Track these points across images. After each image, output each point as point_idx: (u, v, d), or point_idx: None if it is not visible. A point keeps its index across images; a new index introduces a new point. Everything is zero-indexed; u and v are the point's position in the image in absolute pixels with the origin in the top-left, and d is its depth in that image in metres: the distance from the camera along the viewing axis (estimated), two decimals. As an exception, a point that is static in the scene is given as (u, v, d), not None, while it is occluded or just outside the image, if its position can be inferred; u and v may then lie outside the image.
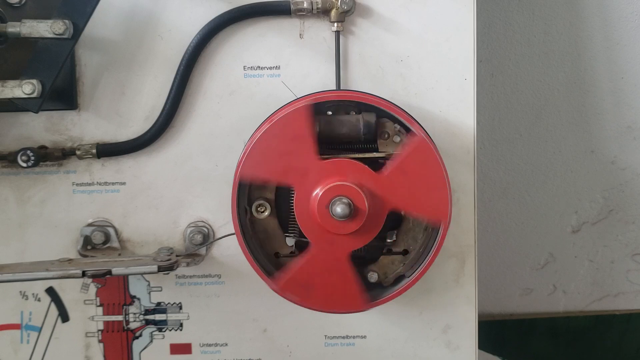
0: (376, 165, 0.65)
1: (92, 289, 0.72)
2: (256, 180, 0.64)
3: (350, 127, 0.65)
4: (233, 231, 0.64)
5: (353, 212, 0.61)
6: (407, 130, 0.65)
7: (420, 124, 0.66)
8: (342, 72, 0.68)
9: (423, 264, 0.66)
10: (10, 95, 0.61)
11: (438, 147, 0.65)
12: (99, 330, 0.73)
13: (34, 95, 0.61)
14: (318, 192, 0.62)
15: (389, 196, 0.62)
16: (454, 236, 0.70)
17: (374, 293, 0.67)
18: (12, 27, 0.61)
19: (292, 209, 0.64)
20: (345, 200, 0.61)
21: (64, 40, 0.61)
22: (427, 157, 0.62)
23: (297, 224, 0.64)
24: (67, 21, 0.61)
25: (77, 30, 0.62)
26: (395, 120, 0.66)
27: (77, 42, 0.63)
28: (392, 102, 0.67)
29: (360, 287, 0.64)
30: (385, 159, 0.65)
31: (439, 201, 0.63)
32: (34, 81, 0.61)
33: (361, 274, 0.67)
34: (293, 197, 0.63)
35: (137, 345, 0.73)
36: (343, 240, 0.63)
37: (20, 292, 0.72)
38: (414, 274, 0.66)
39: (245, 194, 0.66)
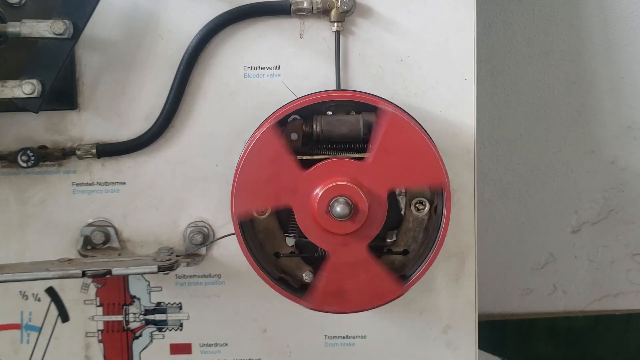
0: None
1: (92, 289, 0.72)
2: (253, 213, 0.65)
3: (350, 127, 0.65)
4: (233, 231, 0.64)
5: (353, 208, 0.61)
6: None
7: (420, 124, 0.66)
8: (342, 72, 0.68)
9: (423, 264, 0.66)
10: (10, 95, 0.61)
11: (438, 147, 0.65)
12: (99, 330, 0.73)
13: (34, 95, 0.61)
14: (312, 203, 0.62)
15: (382, 178, 0.62)
16: (454, 236, 0.70)
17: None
18: (12, 27, 0.61)
19: (292, 209, 0.64)
20: (341, 199, 0.61)
21: (64, 40, 0.61)
22: (403, 129, 0.62)
23: (297, 224, 0.64)
24: (67, 21, 0.61)
25: (77, 30, 0.62)
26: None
27: (77, 42, 0.63)
28: (392, 102, 0.67)
29: (389, 273, 0.64)
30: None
31: (431, 165, 0.62)
32: (34, 81, 0.61)
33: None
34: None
35: (137, 345, 0.73)
36: (356, 237, 0.63)
37: (20, 292, 0.72)
38: (414, 274, 0.66)
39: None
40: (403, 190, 0.66)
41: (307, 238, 0.64)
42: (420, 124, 0.66)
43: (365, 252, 0.63)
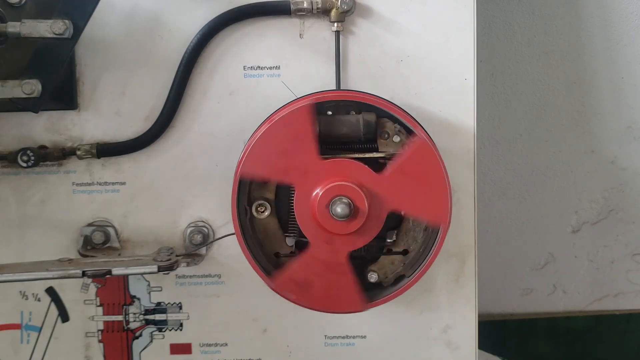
0: (376, 165, 0.65)
1: (92, 289, 0.72)
2: (257, 178, 0.64)
3: (350, 127, 0.65)
4: (233, 231, 0.64)
5: (353, 212, 0.61)
6: (407, 130, 0.65)
7: (420, 124, 0.66)
8: (342, 72, 0.68)
9: (423, 264, 0.66)
10: (10, 95, 0.61)
11: (438, 147, 0.65)
12: (99, 330, 0.73)
13: (34, 95, 0.61)
14: (318, 191, 0.62)
15: (389, 197, 0.62)
16: (454, 236, 0.70)
17: (373, 293, 0.67)
18: (12, 27, 0.61)
19: (292, 208, 0.64)
20: (345, 200, 0.61)
21: (64, 40, 0.61)
22: (428, 159, 0.62)
23: (297, 224, 0.64)
24: (67, 21, 0.61)
25: (77, 30, 0.62)
26: (395, 120, 0.66)
27: (77, 42, 0.63)
28: (392, 102, 0.67)
29: (358, 287, 0.64)
30: (385, 158, 0.65)
31: (439, 203, 0.63)
32: (34, 81, 0.61)
33: (361, 274, 0.68)
34: (293, 196, 0.63)
35: (137, 345, 0.73)
36: (342, 240, 0.63)
37: (20, 292, 0.72)
38: (414, 274, 0.66)
39: (246, 193, 0.66)
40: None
41: (306, 238, 0.64)
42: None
43: (344, 258, 0.64)
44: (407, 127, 0.65)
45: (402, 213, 0.66)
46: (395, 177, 0.62)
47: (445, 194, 0.63)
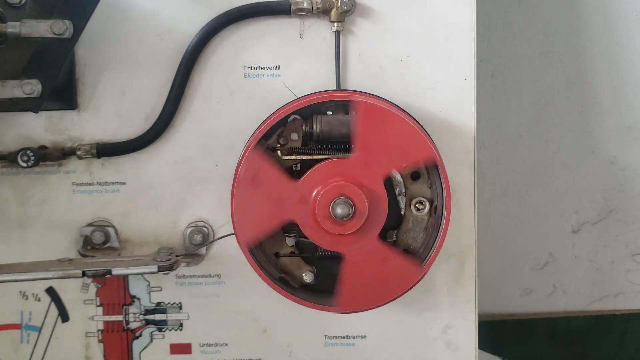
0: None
1: (92, 289, 0.72)
2: (260, 238, 0.65)
3: (350, 127, 0.65)
4: (233, 231, 0.64)
5: (353, 205, 0.61)
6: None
7: (420, 124, 0.66)
8: (342, 72, 0.68)
9: (423, 263, 0.66)
10: (10, 95, 0.61)
11: (438, 147, 0.65)
12: (99, 330, 0.73)
13: (34, 95, 0.61)
14: (314, 209, 0.62)
15: (373, 169, 0.62)
16: (454, 236, 0.70)
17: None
18: (12, 27, 0.61)
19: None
20: (339, 200, 0.61)
21: (64, 40, 0.61)
22: (379, 115, 0.62)
23: (297, 224, 0.64)
24: (67, 21, 0.61)
25: (77, 30, 0.62)
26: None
27: (77, 42, 0.63)
28: (392, 102, 0.67)
29: (405, 256, 0.65)
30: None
31: (416, 141, 0.63)
32: (34, 81, 0.61)
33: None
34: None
35: (137, 345, 0.73)
36: (364, 231, 0.63)
37: (20, 292, 0.72)
38: (414, 274, 0.66)
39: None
40: (403, 191, 0.66)
41: (307, 238, 0.64)
42: (398, 106, 0.66)
43: (378, 243, 0.64)
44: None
45: (396, 171, 0.65)
46: (364, 150, 0.62)
47: (416, 131, 0.62)
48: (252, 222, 0.63)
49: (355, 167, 0.62)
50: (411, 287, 0.65)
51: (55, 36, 0.61)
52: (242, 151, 0.65)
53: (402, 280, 0.65)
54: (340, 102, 0.66)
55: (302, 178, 0.63)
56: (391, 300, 0.65)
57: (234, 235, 0.64)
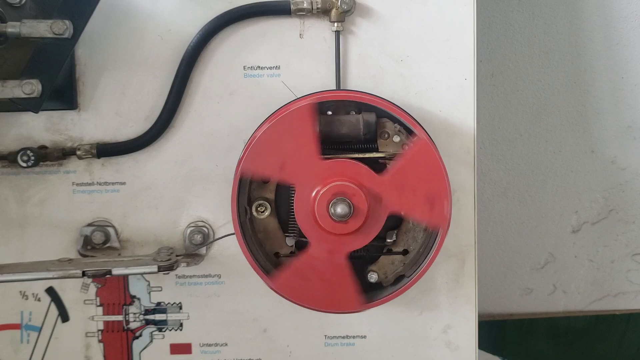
0: (376, 165, 0.65)
1: (92, 288, 0.72)
2: (257, 176, 0.64)
3: (350, 127, 0.65)
4: (233, 231, 0.64)
5: (353, 211, 0.61)
6: (407, 130, 0.65)
7: (420, 124, 0.66)
8: (342, 72, 0.68)
9: (423, 264, 0.66)
10: (10, 95, 0.61)
11: (438, 147, 0.65)
12: (99, 330, 0.73)
13: (34, 95, 0.61)
14: (318, 191, 0.62)
15: (390, 198, 0.62)
16: (454, 236, 0.70)
17: (373, 293, 0.67)
18: (12, 27, 0.61)
19: (292, 208, 0.64)
20: (345, 200, 0.61)
21: (63, 40, 0.61)
22: (429, 160, 0.62)
23: (297, 224, 0.64)
24: (67, 21, 0.61)
25: (77, 31, 0.62)
26: (395, 120, 0.66)
27: (77, 42, 0.63)
28: (392, 102, 0.67)
29: (357, 288, 0.64)
30: (385, 158, 0.65)
31: (439, 206, 0.63)
32: (34, 81, 0.61)
33: (361, 273, 0.68)
34: (293, 196, 0.63)
35: (137, 345, 0.73)
36: (342, 240, 0.63)
37: (20, 292, 0.72)
38: (414, 274, 0.66)
39: (246, 194, 0.66)
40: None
41: (306, 238, 0.64)
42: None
43: (344, 258, 0.64)
44: (407, 127, 0.65)
45: (402, 214, 0.66)
46: (395, 179, 0.62)
47: (446, 197, 0.62)
48: (261, 158, 0.62)
49: (375, 185, 0.62)
50: (340, 313, 0.66)
51: (55, 36, 0.61)
52: (242, 151, 0.65)
53: (338, 302, 0.65)
54: (340, 102, 0.66)
55: (329, 161, 0.62)
56: (315, 310, 0.65)
57: (234, 235, 0.65)
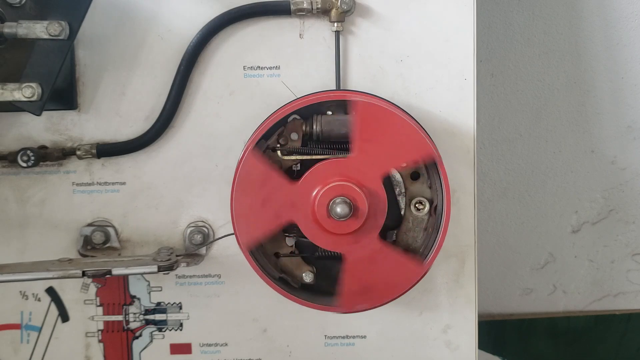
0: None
1: (92, 288, 0.72)
2: (261, 239, 0.65)
3: (350, 127, 0.65)
4: (233, 231, 0.64)
5: (352, 205, 0.61)
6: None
7: (420, 124, 0.66)
8: (342, 72, 0.68)
9: (424, 262, 0.66)
10: (10, 98, 0.61)
11: (438, 147, 0.65)
12: (99, 330, 0.73)
13: (34, 98, 0.61)
14: (313, 210, 0.62)
15: (372, 169, 0.62)
16: (454, 236, 0.70)
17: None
18: (9, 28, 0.60)
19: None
20: (338, 199, 0.61)
21: (60, 41, 0.61)
22: (377, 114, 0.62)
23: (297, 224, 0.64)
24: (63, 22, 0.60)
25: (73, 32, 0.61)
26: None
27: (78, 42, 0.63)
28: (392, 102, 0.67)
29: (406, 255, 0.65)
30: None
31: (414, 140, 0.63)
32: (34, 84, 0.61)
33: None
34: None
35: (137, 345, 0.73)
36: (364, 230, 0.63)
37: (20, 292, 0.72)
38: (414, 274, 0.66)
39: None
40: (403, 191, 0.66)
41: (306, 238, 0.64)
42: (398, 106, 0.66)
43: (378, 242, 0.64)
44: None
45: (395, 169, 0.65)
46: (362, 149, 0.62)
47: (414, 130, 0.62)
48: (252, 224, 0.63)
49: (354, 166, 0.62)
50: (412, 286, 0.65)
51: (51, 37, 0.60)
52: (242, 151, 0.65)
53: (403, 279, 0.65)
54: (340, 102, 0.66)
55: (301, 179, 0.63)
56: (393, 300, 0.65)
57: (234, 235, 0.64)
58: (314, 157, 0.64)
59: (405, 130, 0.63)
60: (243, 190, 0.63)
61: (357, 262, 0.64)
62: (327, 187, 0.62)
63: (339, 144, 0.66)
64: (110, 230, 0.70)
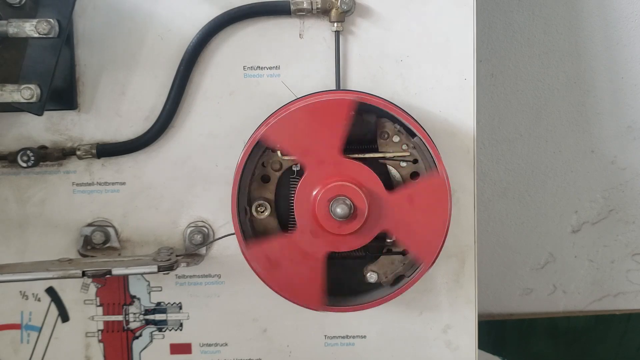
0: (376, 165, 0.65)
1: (92, 288, 0.72)
2: (275, 146, 0.64)
3: (349, 127, 0.65)
4: (233, 231, 0.64)
5: (352, 213, 0.61)
6: (407, 130, 0.65)
7: (420, 124, 0.66)
8: (342, 72, 0.68)
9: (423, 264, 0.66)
10: (9, 100, 0.61)
11: (438, 147, 0.65)
12: (99, 330, 0.73)
13: (33, 100, 0.61)
14: (319, 190, 0.62)
15: (387, 217, 0.62)
16: (454, 236, 0.70)
17: (373, 293, 0.68)
18: (0, 27, 0.60)
19: (292, 209, 0.64)
20: (345, 200, 0.61)
21: (52, 39, 0.61)
22: (439, 197, 0.63)
23: (297, 224, 0.64)
24: (52, 20, 0.60)
25: (62, 29, 0.61)
26: (395, 120, 0.66)
27: (78, 42, 0.63)
28: (392, 102, 0.67)
29: (324, 288, 0.64)
30: (385, 158, 0.65)
31: (432, 243, 0.63)
32: (32, 86, 0.61)
33: (360, 273, 0.68)
34: (293, 196, 0.63)
35: (137, 345, 0.73)
36: (329, 240, 0.63)
37: (20, 292, 0.72)
38: (414, 274, 0.66)
39: (246, 194, 0.66)
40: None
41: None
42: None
43: (322, 256, 0.64)
44: (407, 127, 0.65)
45: (393, 236, 0.66)
46: (401, 201, 0.62)
47: (441, 238, 0.63)
48: (286, 131, 0.62)
49: (381, 199, 0.62)
50: (300, 305, 0.66)
51: (41, 36, 0.60)
52: (242, 151, 0.65)
53: (300, 295, 0.65)
54: (340, 102, 0.66)
55: (349, 160, 0.62)
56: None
57: (234, 235, 0.65)
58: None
59: (437, 230, 0.63)
60: (313, 112, 0.62)
61: (297, 245, 0.64)
62: (338, 183, 0.61)
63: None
64: (110, 230, 0.71)
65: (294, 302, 0.65)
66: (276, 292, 0.65)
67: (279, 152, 0.65)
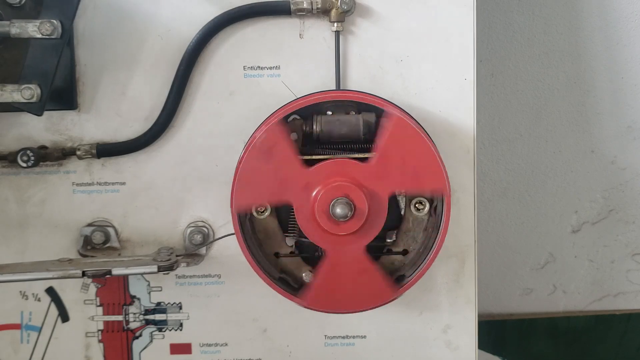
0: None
1: (92, 289, 0.72)
2: (252, 207, 0.65)
3: (350, 127, 0.65)
4: (233, 231, 0.64)
5: (353, 208, 0.61)
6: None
7: (420, 124, 0.66)
8: (342, 72, 0.68)
9: (423, 264, 0.66)
10: (9, 100, 0.61)
11: (438, 147, 0.65)
12: (99, 330, 0.73)
13: (33, 100, 0.61)
14: (315, 199, 0.62)
15: (384, 182, 0.62)
16: (454, 236, 0.70)
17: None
18: (1, 27, 0.60)
19: (292, 210, 0.64)
20: (342, 200, 0.61)
21: (54, 40, 0.61)
22: (407, 133, 0.62)
23: (297, 224, 0.64)
24: (54, 21, 0.60)
25: (65, 31, 0.61)
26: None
27: (78, 42, 0.63)
28: (392, 102, 0.67)
29: (385, 276, 0.65)
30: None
31: (433, 171, 0.63)
32: (32, 86, 0.61)
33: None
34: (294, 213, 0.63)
35: (137, 345, 0.73)
36: (354, 237, 0.63)
37: (20, 292, 0.72)
38: (414, 274, 0.66)
39: (245, 194, 0.66)
40: (403, 192, 0.66)
41: (306, 238, 0.64)
42: (423, 128, 0.66)
43: (363, 254, 0.63)
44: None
45: (403, 193, 0.65)
46: (382, 161, 0.62)
47: (436, 161, 0.62)
48: (252, 189, 0.63)
49: (368, 173, 0.62)
50: (378, 306, 0.66)
51: (44, 37, 0.60)
52: (242, 151, 0.65)
53: (373, 297, 0.65)
54: (340, 102, 0.66)
55: (314, 167, 0.62)
56: (354, 312, 0.66)
57: (234, 235, 0.65)
58: (314, 157, 0.64)
59: (427, 157, 0.62)
60: (256, 155, 0.62)
61: (337, 265, 0.64)
62: (335, 184, 0.61)
63: (339, 144, 0.66)
64: (110, 230, 0.71)
65: (368, 309, 0.66)
66: (350, 312, 0.66)
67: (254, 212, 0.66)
